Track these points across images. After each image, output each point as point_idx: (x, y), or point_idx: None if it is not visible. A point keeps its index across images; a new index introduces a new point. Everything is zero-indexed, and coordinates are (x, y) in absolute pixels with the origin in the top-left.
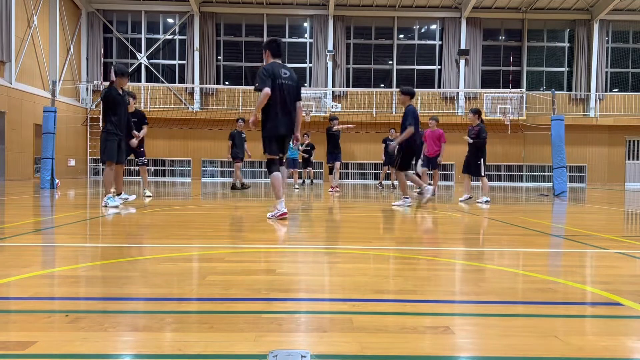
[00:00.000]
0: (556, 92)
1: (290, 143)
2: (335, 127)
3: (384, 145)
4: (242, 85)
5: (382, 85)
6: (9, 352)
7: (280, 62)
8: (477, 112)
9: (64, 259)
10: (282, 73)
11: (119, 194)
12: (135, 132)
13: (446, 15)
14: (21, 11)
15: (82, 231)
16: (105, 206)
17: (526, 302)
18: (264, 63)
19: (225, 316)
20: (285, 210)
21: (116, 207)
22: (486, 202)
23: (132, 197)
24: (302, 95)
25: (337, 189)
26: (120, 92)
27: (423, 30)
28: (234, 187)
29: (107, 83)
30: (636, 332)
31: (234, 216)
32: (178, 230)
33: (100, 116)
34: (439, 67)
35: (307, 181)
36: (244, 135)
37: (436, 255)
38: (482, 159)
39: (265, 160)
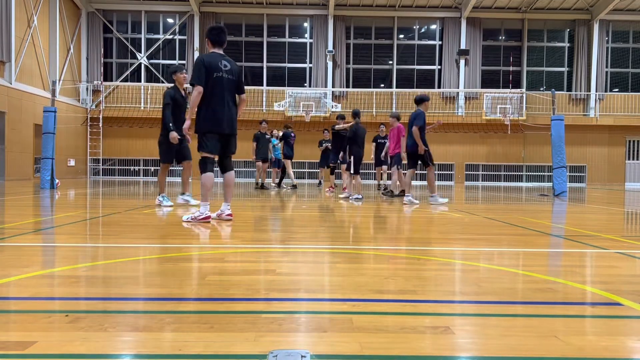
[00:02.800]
0: (556, 92)
1: (275, 141)
2: (338, 126)
3: (374, 144)
4: None
5: (382, 85)
6: (9, 352)
7: (221, 52)
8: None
9: (64, 259)
10: (221, 65)
11: (182, 193)
12: None
13: (446, 15)
14: (21, 11)
15: (82, 231)
16: (159, 205)
17: (526, 302)
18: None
19: (225, 316)
20: (209, 214)
21: (170, 206)
22: (357, 199)
23: (195, 202)
24: (243, 90)
25: (333, 189)
26: (183, 92)
27: (423, 30)
28: (262, 186)
29: (107, 83)
30: (636, 332)
31: (233, 216)
32: (178, 230)
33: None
34: (439, 67)
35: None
36: (268, 136)
37: (436, 255)
38: (351, 157)
39: (200, 158)
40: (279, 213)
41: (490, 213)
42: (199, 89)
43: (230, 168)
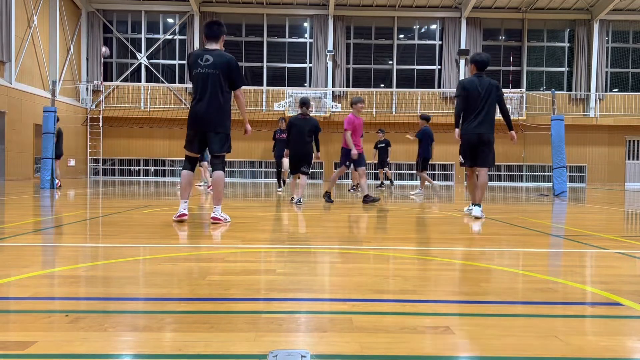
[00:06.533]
0: (556, 92)
1: None
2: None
3: (375, 150)
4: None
5: (382, 85)
6: (9, 352)
7: (213, 46)
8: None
9: (64, 259)
10: (202, 60)
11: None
12: None
13: (446, 15)
14: (21, 11)
15: (82, 231)
16: (477, 217)
17: (526, 302)
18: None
19: (225, 316)
20: (183, 212)
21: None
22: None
23: (479, 213)
24: (237, 84)
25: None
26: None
27: (423, 30)
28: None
29: (107, 83)
30: (636, 332)
31: (233, 216)
32: (178, 230)
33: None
34: (439, 67)
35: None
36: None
37: (436, 255)
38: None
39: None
40: (278, 213)
41: (490, 213)
42: None
43: (217, 168)
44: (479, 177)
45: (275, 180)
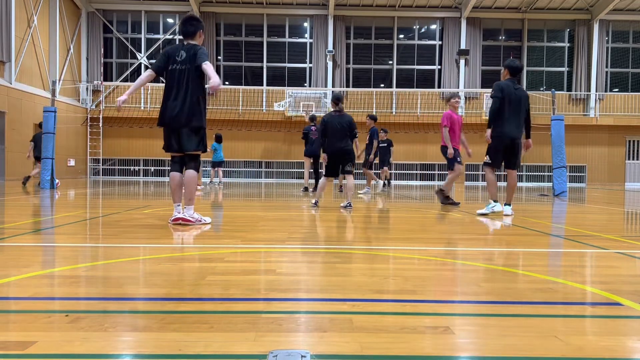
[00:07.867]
0: (556, 92)
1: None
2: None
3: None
4: (242, 85)
5: (382, 85)
6: (8, 352)
7: (188, 42)
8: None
9: (64, 259)
10: (178, 56)
11: (508, 204)
12: None
13: (446, 15)
14: (21, 11)
15: (82, 231)
16: (507, 215)
17: (526, 302)
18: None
19: (225, 316)
20: (178, 216)
21: (489, 214)
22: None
23: (510, 211)
24: (199, 61)
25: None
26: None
27: (423, 30)
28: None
29: (107, 83)
30: (636, 332)
31: (233, 216)
32: (178, 230)
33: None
34: (439, 67)
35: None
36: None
37: (436, 255)
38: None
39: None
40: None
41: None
42: (148, 72)
43: (190, 167)
44: (510, 179)
45: (306, 181)
